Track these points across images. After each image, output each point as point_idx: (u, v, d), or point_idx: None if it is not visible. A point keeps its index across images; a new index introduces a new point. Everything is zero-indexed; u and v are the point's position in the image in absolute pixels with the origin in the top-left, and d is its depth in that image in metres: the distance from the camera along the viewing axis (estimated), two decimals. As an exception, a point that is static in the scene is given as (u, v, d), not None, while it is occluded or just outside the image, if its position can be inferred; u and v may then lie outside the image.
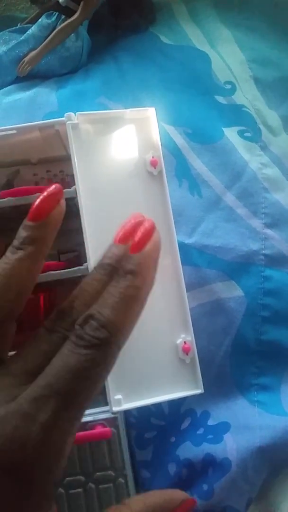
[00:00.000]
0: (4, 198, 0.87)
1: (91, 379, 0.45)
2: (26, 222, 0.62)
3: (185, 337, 0.86)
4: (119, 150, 0.89)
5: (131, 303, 0.55)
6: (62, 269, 0.88)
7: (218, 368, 0.98)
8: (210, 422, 1.02)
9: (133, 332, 0.80)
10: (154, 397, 0.83)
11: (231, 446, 0.96)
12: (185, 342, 0.85)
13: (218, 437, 0.98)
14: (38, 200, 0.63)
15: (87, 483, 0.82)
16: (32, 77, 1.33)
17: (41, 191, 0.81)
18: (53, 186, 0.66)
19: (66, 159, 0.99)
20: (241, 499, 0.95)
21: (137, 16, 1.44)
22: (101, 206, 0.87)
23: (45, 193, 0.65)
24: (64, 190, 0.83)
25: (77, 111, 0.90)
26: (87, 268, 0.85)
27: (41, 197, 0.64)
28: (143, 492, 0.81)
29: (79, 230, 0.97)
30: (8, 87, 1.31)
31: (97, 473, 0.82)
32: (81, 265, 0.90)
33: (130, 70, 1.32)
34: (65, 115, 0.88)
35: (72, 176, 0.95)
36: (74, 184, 0.91)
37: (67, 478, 0.81)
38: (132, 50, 1.37)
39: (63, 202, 0.66)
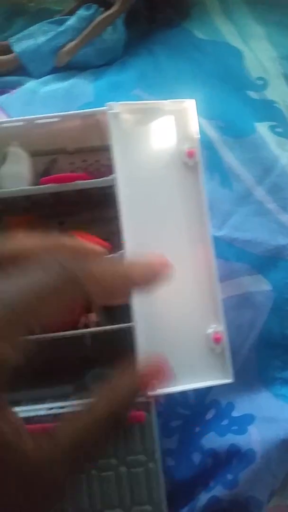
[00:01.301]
0: (44, 184, 0.88)
1: None
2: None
3: (216, 327, 0.85)
4: (157, 140, 0.89)
5: None
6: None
7: (243, 360, 0.97)
8: (235, 414, 1.01)
9: (166, 320, 0.80)
10: (185, 384, 0.84)
11: (256, 438, 0.96)
12: (216, 332, 0.85)
13: (243, 428, 0.98)
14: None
15: (118, 467, 0.82)
16: (69, 68, 1.34)
17: (79, 178, 0.81)
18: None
19: (101, 149, 1.01)
20: (265, 490, 0.95)
21: (172, 11, 1.44)
22: (138, 195, 0.87)
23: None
24: (102, 179, 0.84)
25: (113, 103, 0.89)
26: (122, 256, 0.85)
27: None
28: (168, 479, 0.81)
29: (112, 220, 0.98)
30: (46, 77, 1.31)
31: (129, 457, 0.83)
32: (114, 253, 0.91)
33: (166, 64, 1.33)
34: (107, 104, 0.88)
35: (107, 166, 0.95)
36: (111, 173, 0.91)
37: (100, 460, 0.82)
38: (167, 44, 1.37)
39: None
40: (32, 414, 0.80)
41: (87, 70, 1.34)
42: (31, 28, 1.37)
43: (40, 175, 0.94)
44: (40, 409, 0.81)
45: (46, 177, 0.90)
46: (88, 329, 0.90)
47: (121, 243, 0.92)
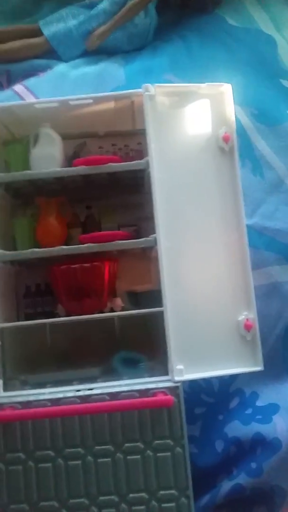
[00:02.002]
0: (78, 165, 0.88)
1: None
2: None
3: (248, 314, 0.83)
4: (192, 124, 0.87)
5: None
6: (125, 240, 0.88)
7: (269, 350, 0.96)
8: (259, 403, 1.00)
9: (196, 306, 0.82)
10: (214, 370, 0.83)
11: (282, 427, 0.94)
12: (247, 319, 0.83)
13: (267, 417, 0.97)
14: None
15: (145, 451, 0.80)
16: (99, 51, 1.31)
17: (111, 161, 0.85)
18: None
19: (131, 134, 1.01)
20: None
21: None
22: (171, 178, 0.85)
23: None
24: (135, 162, 0.82)
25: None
26: (154, 240, 0.83)
27: None
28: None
29: (141, 205, 1.00)
30: (76, 61, 1.29)
31: (156, 441, 0.80)
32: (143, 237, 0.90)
33: (198, 50, 1.30)
34: (143, 86, 0.86)
35: (137, 151, 0.97)
36: (140, 158, 0.91)
37: (126, 444, 0.80)
38: (200, 30, 1.34)
39: None
40: (60, 395, 0.79)
41: (118, 54, 1.31)
42: (60, 11, 1.35)
43: (69, 158, 0.93)
44: (68, 391, 0.81)
45: (79, 159, 0.88)
46: (117, 313, 0.89)
47: (150, 228, 0.91)
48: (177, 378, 0.78)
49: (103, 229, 0.96)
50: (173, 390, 0.79)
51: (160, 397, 0.76)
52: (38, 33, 1.32)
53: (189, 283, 0.82)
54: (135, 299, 0.95)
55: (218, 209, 0.84)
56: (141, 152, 0.97)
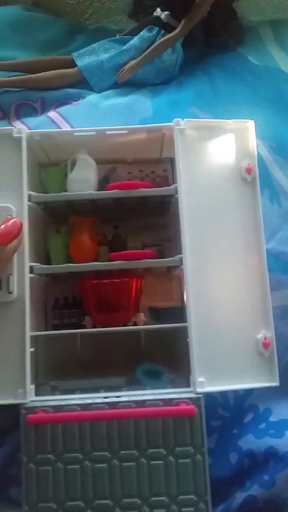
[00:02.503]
0: (112, 189, 0.96)
1: None
2: None
3: (266, 333, 0.89)
4: (218, 155, 0.94)
5: None
6: (152, 259, 0.94)
7: (283, 368, 0.99)
8: (272, 419, 1.04)
9: (218, 323, 0.89)
10: (233, 384, 0.88)
11: None
12: (265, 338, 0.88)
13: (280, 432, 1.00)
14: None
15: (167, 457, 0.85)
16: (128, 84, 1.39)
17: (143, 186, 0.94)
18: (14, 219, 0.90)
19: (158, 161, 1.09)
20: None
21: (227, 36, 1.49)
22: (198, 204, 0.91)
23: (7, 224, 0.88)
24: (165, 188, 0.95)
25: (171, 118, 0.96)
26: (180, 260, 0.89)
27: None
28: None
29: (165, 227, 1.08)
30: (106, 92, 1.36)
31: (178, 448, 0.85)
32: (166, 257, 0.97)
33: (221, 85, 1.37)
34: (174, 120, 0.93)
35: (162, 177, 1.08)
36: (166, 184, 1.03)
37: (150, 450, 0.85)
38: (223, 67, 1.42)
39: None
40: (89, 401, 0.84)
41: (146, 87, 1.38)
42: (93, 45, 1.43)
43: (100, 181, 1.01)
44: (96, 397, 0.86)
45: (113, 184, 0.95)
46: (144, 326, 0.95)
47: (172, 249, 1.01)
48: (199, 390, 0.84)
49: (128, 248, 1.03)
50: (195, 400, 0.84)
51: (184, 406, 0.82)
52: (71, 64, 1.40)
53: (212, 301, 0.88)
54: (156, 314, 1.00)
55: (240, 234, 0.90)
56: (166, 179, 1.06)
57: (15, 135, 0.92)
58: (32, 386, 0.86)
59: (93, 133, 0.95)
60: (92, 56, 1.40)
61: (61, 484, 0.82)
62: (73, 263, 0.94)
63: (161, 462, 0.84)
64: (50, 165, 1.02)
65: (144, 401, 0.83)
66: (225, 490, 0.99)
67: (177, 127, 0.93)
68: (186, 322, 0.88)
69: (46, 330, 0.99)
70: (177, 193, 0.90)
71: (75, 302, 1.01)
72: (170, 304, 1.01)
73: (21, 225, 0.86)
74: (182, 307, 0.96)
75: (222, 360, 0.87)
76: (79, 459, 0.83)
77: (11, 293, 0.86)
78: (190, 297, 0.86)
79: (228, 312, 0.88)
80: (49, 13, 1.50)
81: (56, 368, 0.95)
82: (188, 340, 0.85)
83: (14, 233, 0.85)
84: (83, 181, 0.96)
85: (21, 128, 0.92)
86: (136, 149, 1.03)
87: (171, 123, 0.93)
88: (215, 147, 0.93)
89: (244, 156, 0.93)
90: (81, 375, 0.94)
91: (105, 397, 0.85)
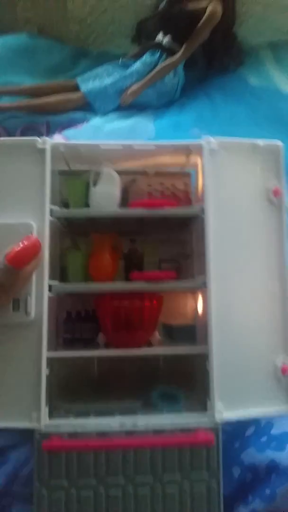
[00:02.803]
0: (137, 207, 0.85)
1: None
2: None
3: (285, 359, 0.81)
4: (245, 176, 0.84)
5: None
6: (174, 280, 0.84)
7: None
8: (274, 432, 0.94)
9: (238, 349, 0.79)
10: (252, 411, 0.79)
11: None
12: (284, 364, 0.80)
13: (281, 445, 0.91)
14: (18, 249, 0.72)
15: (182, 482, 0.78)
16: (131, 107, 1.32)
17: (167, 204, 0.84)
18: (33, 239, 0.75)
19: (178, 175, 0.97)
20: None
21: (228, 58, 1.41)
22: (223, 226, 0.81)
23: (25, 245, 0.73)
24: (190, 207, 0.87)
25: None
26: (203, 282, 0.80)
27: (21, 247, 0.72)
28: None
29: (183, 242, 0.96)
30: (110, 115, 1.30)
31: (193, 474, 0.78)
32: (184, 276, 0.90)
33: (222, 107, 1.30)
34: (204, 139, 0.84)
35: (183, 191, 0.95)
36: (186, 197, 0.92)
37: (165, 475, 0.78)
38: (223, 89, 1.34)
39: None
40: (105, 428, 0.76)
41: (148, 110, 1.31)
42: (96, 69, 1.36)
43: (120, 193, 0.90)
44: (112, 423, 0.76)
45: (137, 202, 0.86)
46: (163, 349, 0.85)
47: (190, 266, 0.92)
48: (217, 418, 0.76)
49: (145, 263, 0.95)
50: (213, 429, 0.77)
51: (202, 436, 0.75)
52: (75, 88, 1.34)
53: (232, 326, 0.79)
54: (170, 332, 0.92)
55: (264, 257, 0.82)
56: (187, 193, 0.97)
57: (39, 146, 0.81)
58: (47, 409, 0.76)
59: (120, 147, 0.86)
60: (96, 81, 1.33)
61: (74, 511, 0.75)
62: (92, 281, 0.86)
63: (176, 486, 0.77)
64: (71, 176, 0.92)
65: (162, 430, 0.76)
66: (228, 506, 0.90)
67: (206, 146, 0.83)
68: (197, 341, 0.85)
69: (57, 344, 0.90)
70: (203, 214, 0.81)
71: (87, 315, 0.92)
72: (184, 322, 0.94)
73: (40, 245, 0.75)
74: (195, 325, 0.90)
75: (241, 387, 0.79)
76: (93, 485, 0.75)
77: (28, 314, 0.75)
78: (213, 321, 0.78)
79: (248, 338, 0.80)
80: (53, 39, 1.44)
81: (68, 388, 0.87)
82: (207, 366, 0.78)
83: (32, 255, 0.73)
84: (108, 197, 0.86)
85: (45, 138, 0.82)
86: (158, 162, 0.95)
87: (201, 141, 0.84)
88: (243, 167, 0.84)
89: (271, 178, 0.84)
90: (95, 395, 0.85)
91: (121, 424, 0.77)
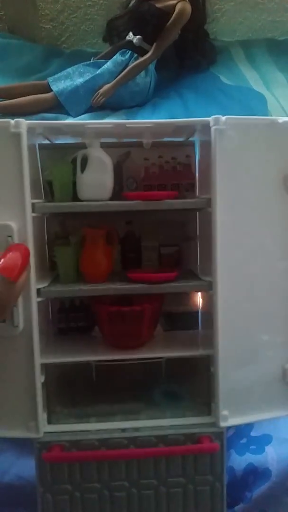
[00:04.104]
0: (132, 199, 0.48)
1: None
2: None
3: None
4: (260, 160, 0.47)
5: None
6: (175, 280, 0.49)
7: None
8: (253, 433, 0.66)
9: (245, 352, 0.46)
10: (256, 415, 0.47)
11: (272, 457, 0.61)
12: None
13: (261, 448, 0.63)
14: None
15: (186, 485, 0.50)
16: (104, 107, 0.90)
17: (169, 197, 0.46)
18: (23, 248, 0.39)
19: (179, 145, 0.57)
20: (279, 507, 0.59)
21: (200, 57, 0.96)
22: (232, 215, 0.44)
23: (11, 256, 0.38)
24: (194, 200, 0.41)
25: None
26: (209, 283, 0.46)
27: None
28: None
29: (184, 224, 0.56)
30: (82, 116, 0.89)
31: (197, 477, 0.50)
32: (184, 267, 0.54)
33: (194, 106, 0.89)
34: (213, 118, 0.46)
35: (185, 165, 0.55)
36: (189, 173, 0.53)
37: (169, 479, 0.49)
38: (196, 88, 0.93)
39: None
40: (106, 435, 0.46)
41: (121, 110, 0.90)
42: (68, 69, 0.92)
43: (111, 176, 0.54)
44: (113, 429, 0.47)
45: (133, 193, 0.49)
46: (166, 355, 0.51)
47: (191, 249, 0.53)
48: (222, 424, 0.49)
49: (142, 248, 0.59)
50: (218, 435, 0.49)
51: (207, 444, 0.47)
52: (47, 89, 0.90)
53: (240, 329, 0.47)
54: (171, 320, 0.60)
55: (278, 251, 0.46)
56: (189, 166, 0.60)
57: (12, 130, 0.43)
58: (45, 415, 0.49)
59: (110, 125, 0.50)
60: (67, 81, 0.89)
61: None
62: (83, 278, 0.51)
63: (180, 489, 0.49)
64: (54, 154, 0.53)
65: (165, 435, 0.48)
66: None
67: (215, 127, 0.45)
68: (200, 328, 0.54)
69: (52, 335, 0.58)
70: (209, 207, 0.47)
71: (82, 305, 0.59)
72: (184, 309, 0.58)
73: (28, 253, 0.40)
74: (197, 312, 0.58)
75: (246, 391, 0.49)
76: (97, 488, 0.49)
77: (16, 326, 0.44)
78: (220, 323, 0.46)
79: (257, 341, 0.48)
80: (25, 39, 0.97)
81: (68, 391, 0.53)
82: (212, 369, 0.50)
83: (21, 266, 0.37)
84: (98, 186, 0.49)
85: (20, 120, 0.45)
86: (156, 133, 0.53)
87: (208, 119, 0.45)
88: (258, 150, 0.46)
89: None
90: (95, 398, 0.54)
91: (123, 429, 0.47)
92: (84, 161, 0.48)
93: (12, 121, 0.40)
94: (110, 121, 0.54)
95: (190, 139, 0.54)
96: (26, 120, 0.42)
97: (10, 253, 0.37)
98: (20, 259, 0.36)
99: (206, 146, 0.44)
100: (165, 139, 0.53)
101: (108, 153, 0.49)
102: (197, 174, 0.54)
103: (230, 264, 0.45)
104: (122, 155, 0.56)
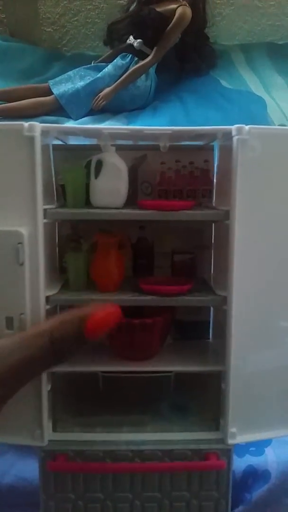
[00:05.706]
0: (147, 209, 0.43)
1: None
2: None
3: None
4: (285, 172, 0.42)
5: None
6: (186, 294, 0.45)
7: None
8: None
9: (256, 369, 0.43)
10: (266, 432, 0.44)
11: (272, 459, 0.60)
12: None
13: (260, 450, 0.62)
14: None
15: (191, 499, 0.47)
16: (104, 110, 0.86)
17: (185, 207, 0.42)
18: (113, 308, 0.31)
19: (197, 150, 0.53)
20: (279, 511, 0.58)
21: (200, 61, 0.92)
22: (253, 228, 0.41)
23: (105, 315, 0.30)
24: (212, 212, 0.39)
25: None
26: (223, 298, 0.43)
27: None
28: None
29: (199, 231, 0.52)
30: (83, 119, 0.86)
31: (202, 492, 0.48)
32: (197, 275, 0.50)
33: (194, 109, 0.86)
34: (236, 127, 0.42)
35: (202, 169, 0.51)
36: (206, 178, 0.49)
37: (174, 493, 0.47)
38: (196, 92, 0.89)
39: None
40: (112, 447, 0.45)
41: (121, 113, 0.86)
42: (69, 72, 0.89)
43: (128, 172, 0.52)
44: (119, 441, 0.45)
45: (148, 201, 0.46)
46: (175, 369, 0.48)
47: (205, 258, 0.50)
48: (230, 442, 0.46)
49: (155, 254, 0.56)
50: (225, 452, 0.47)
51: (214, 461, 0.45)
52: (48, 92, 0.85)
53: (254, 345, 0.43)
54: (182, 328, 0.56)
55: None
56: (207, 172, 0.56)
57: (26, 133, 0.40)
58: (50, 423, 0.47)
59: (127, 131, 0.47)
60: (68, 84, 0.85)
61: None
62: (94, 286, 0.49)
63: (183, 503, 0.46)
64: (71, 168, 0.49)
65: (171, 450, 0.46)
66: None
67: (238, 137, 0.42)
68: (211, 337, 0.52)
69: None
70: (227, 219, 0.43)
71: None
72: (195, 318, 0.55)
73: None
74: (209, 321, 0.55)
75: (257, 408, 0.45)
76: (100, 499, 0.47)
77: None
78: (233, 339, 0.43)
79: (271, 357, 0.44)
80: (26, 42, 0.94)
81: (74, 399, 0.50)
82: (223, 386, 0.48)
83: (101, 330, 0.30)
84: (112, 193, 0.46)
85: (34, 123, 0.42)
86: (174, 137, 0.50)
87: (230, 128, 0.42)
88: (281, 163, 0.42)
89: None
90: (102, 408, 0.51)
91: (127, 442, 0.45)
92: (99, 166, 0.44)
93: (26, 124, 0.38)
94: (127, 127, 0.50)
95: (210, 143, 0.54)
96: (28, 121, 0.38)
97: (106, 312, 0.29)
98: (107, 326, 0.29)
99: (226, 151, 0.41)
100: (184, 142, 0.49)
101: (124, 155, 0.45)
102: (214, 180, 0.51)
103: (246, 280, 0.41)
104: (139, 158, 0.53)
